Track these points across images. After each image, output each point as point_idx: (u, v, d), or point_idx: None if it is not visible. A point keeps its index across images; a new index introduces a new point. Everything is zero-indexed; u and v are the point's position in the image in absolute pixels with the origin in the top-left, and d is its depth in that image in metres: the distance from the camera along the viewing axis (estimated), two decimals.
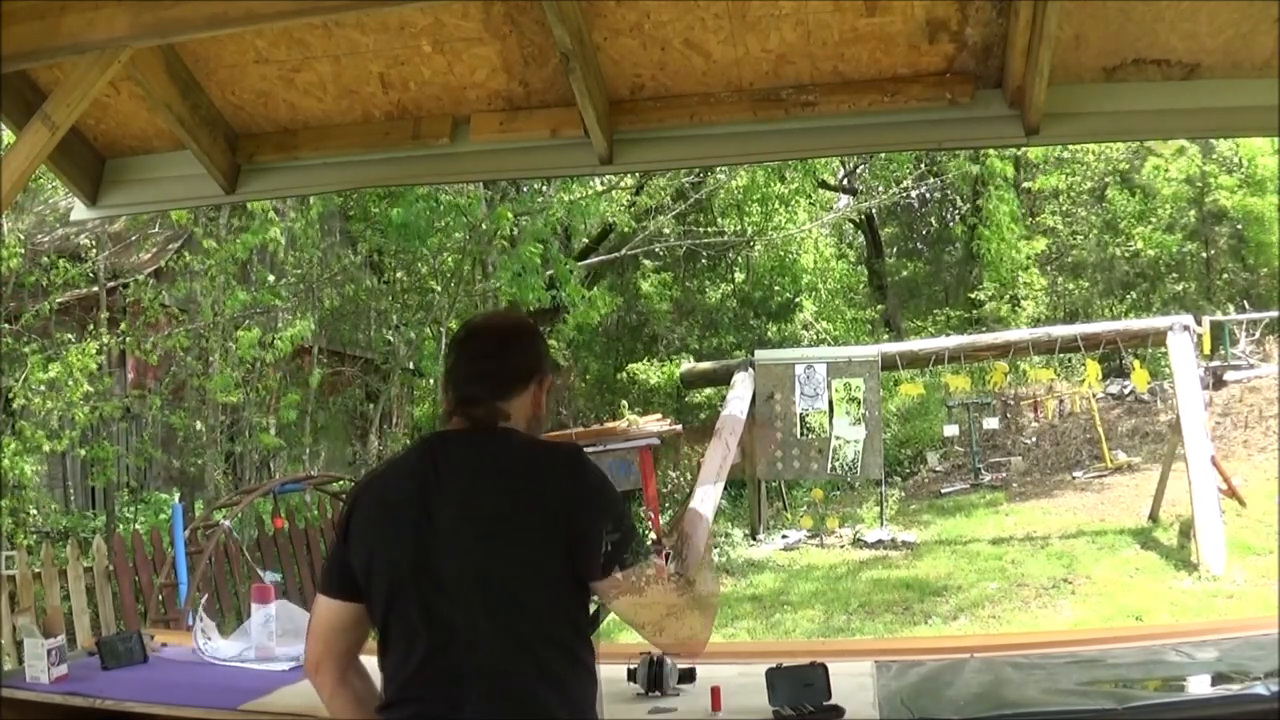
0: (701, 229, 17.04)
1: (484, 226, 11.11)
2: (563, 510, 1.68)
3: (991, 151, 16.04)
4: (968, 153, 16.07)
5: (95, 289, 9.89)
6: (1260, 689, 2.08)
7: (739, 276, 18.36)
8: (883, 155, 17.04)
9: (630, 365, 15.62)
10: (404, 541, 1.69)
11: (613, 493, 1.77)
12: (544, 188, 12.81)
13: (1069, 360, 13.86)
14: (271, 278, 10.59)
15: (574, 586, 1.71)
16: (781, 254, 18.08)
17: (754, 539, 10.90)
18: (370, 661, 1.82)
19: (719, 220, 17.62)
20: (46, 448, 8.59)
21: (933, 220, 24.16)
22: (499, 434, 1.78)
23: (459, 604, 1.65)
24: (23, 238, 9.44)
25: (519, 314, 2.01)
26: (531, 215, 11.35)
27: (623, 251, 15.38)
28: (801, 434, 11.11)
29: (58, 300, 9.28)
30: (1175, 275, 16.67)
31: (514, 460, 1.75)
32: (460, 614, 1.65)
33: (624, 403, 13.44)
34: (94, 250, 9.92)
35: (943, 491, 12.83)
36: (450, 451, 1.76)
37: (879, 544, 10.08)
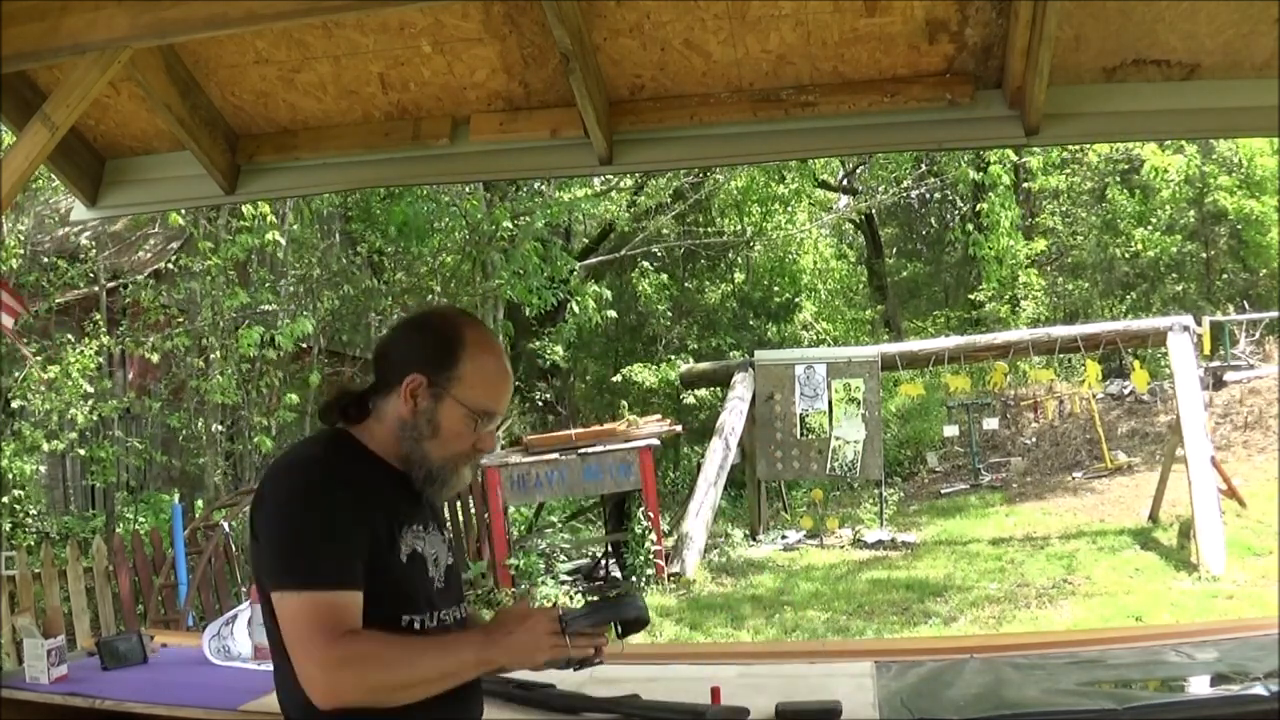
0: (701, 229, 17.05)
1: (484, 227, 11.13)
2: (252, 518, 1.64)
3: (993, 160, 16.04)
4: (970, 159, 16.08)
5: (95, 289, 9.90)
6: (1260, 689, 2.08)
7: (738, 277, 18.37)
8: (883, 155, 17.05)
9: (629, 366, 15.62)
10: None
11: (274, 507, 1.59)
12: (543, 188, 12.83)
13: (1069, 361, 13.87)
14: (270, 278, 10.59)
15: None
16: (781, 254, 18.10)
17: (754, 539, 10.90)
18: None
19: (718, 220, 17.63)
20: (46, 447, 8.60)
21: (933, 220, 24.18)
22: (316, 434, 1.77)
23: None
24: (23, 238, 9.45)
25: (437, 308, 1.75)
26: (530, 215, 11.37)
27: (622, 252, 15.39)
28: (801, 434, 11.12)
29: (57, 300, 9.28)
30: (1175, 276, 16.67)
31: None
32: None
33: (624, 403, 13.44)
34: (94, 250, 9.92)
35: (942, 492, 12.84)
36: None
37: (879, 544, 10.09)
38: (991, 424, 12.69)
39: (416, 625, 1.66)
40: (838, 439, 10.78)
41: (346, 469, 1.63)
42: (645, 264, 16.80)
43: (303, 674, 1.52)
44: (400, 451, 1.68)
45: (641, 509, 8.96)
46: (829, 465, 10.80)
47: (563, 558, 9.36)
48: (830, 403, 10.88)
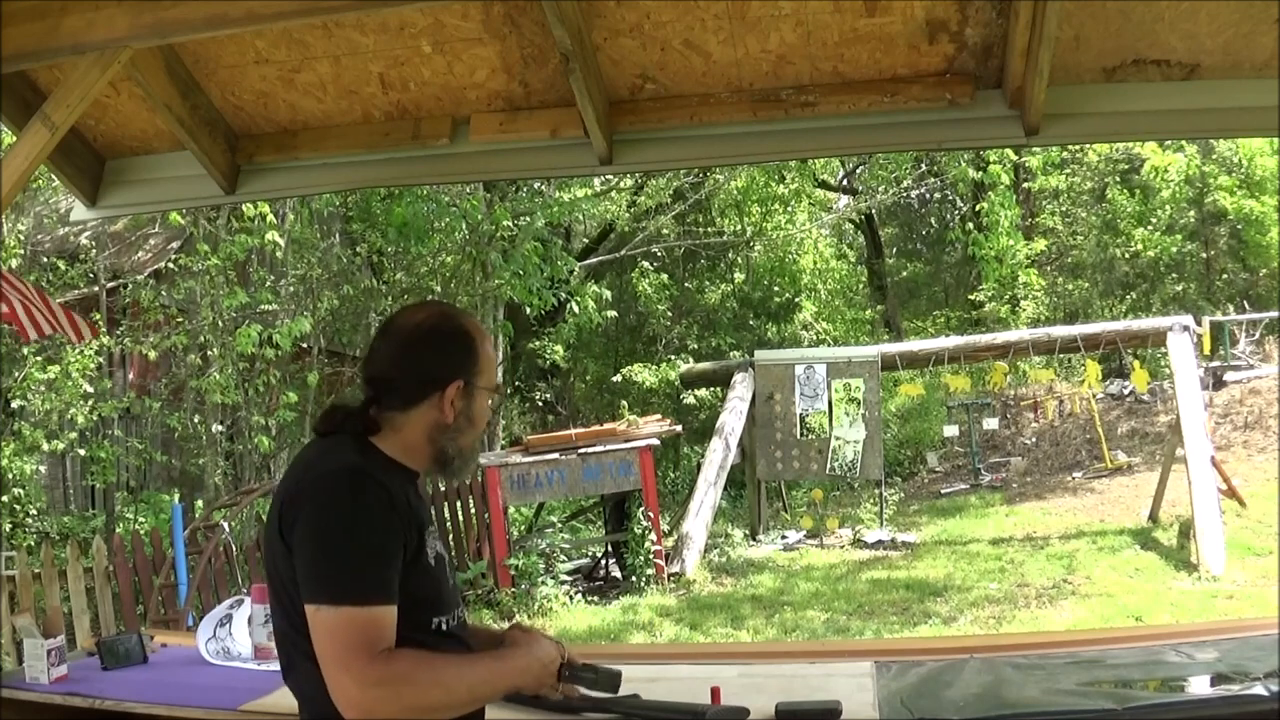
0: (701, 229, 17.05)
1: (484, 227, 11.13)
2: (284, 521, 1.60)
3: (993, 160, 16.05)
4: (970, 159, 16.08)
5: (95, 289, 9.90)
6: (1260, 689, 2.08)
7: (738, 277, 18.38)
8: (883, 155, 17.04)
9: (629, 366, 15.62)
10: None
11: (315, 516, 1.56)
12: (543, 188, 12.84)
13: (1069, 361, 13.88)
14: (270, 278, 10.59)
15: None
16: (781, 254, 18.11)
17: (754, 539, 10.90)
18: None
19: (718, 220, 17.64)
20: (46, 447, 8.60)
21: (933, 221, 24.18)
22: (320, 440, 1.73)
23: None
24: (23, 238, 9.45)
25: (428, 315, 1.65)
26: (530, 215, 11.37)
27: (622, 252, 15.39)
28: (801, 434, 11.12)
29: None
30: (1175, 276, 16.66)
31: (291, 471, 1.69)
32: None
33: (624, 403, 13.45)
34: (94, 250, 9.92)
35: (942, 492, 12.84)
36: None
37: (879, 544, 10.08)
38: (991, 424, 12.69)
39: (444, 627, 1.68)
40: (838, 439, 10.78)
41: (383, 478, 1.62)
42: (645, 264, 16.81)
43: (338, 690, 1.51)
44: (435, 453, 1.72)
45: (641, 509, 8.96)
46: (829, 465, 10.80)
47: (563, 558, 9.35)
48: (830, 403, 10.89)
